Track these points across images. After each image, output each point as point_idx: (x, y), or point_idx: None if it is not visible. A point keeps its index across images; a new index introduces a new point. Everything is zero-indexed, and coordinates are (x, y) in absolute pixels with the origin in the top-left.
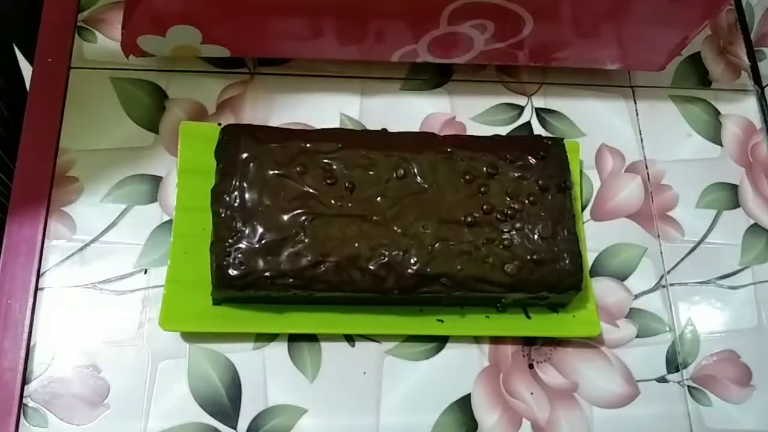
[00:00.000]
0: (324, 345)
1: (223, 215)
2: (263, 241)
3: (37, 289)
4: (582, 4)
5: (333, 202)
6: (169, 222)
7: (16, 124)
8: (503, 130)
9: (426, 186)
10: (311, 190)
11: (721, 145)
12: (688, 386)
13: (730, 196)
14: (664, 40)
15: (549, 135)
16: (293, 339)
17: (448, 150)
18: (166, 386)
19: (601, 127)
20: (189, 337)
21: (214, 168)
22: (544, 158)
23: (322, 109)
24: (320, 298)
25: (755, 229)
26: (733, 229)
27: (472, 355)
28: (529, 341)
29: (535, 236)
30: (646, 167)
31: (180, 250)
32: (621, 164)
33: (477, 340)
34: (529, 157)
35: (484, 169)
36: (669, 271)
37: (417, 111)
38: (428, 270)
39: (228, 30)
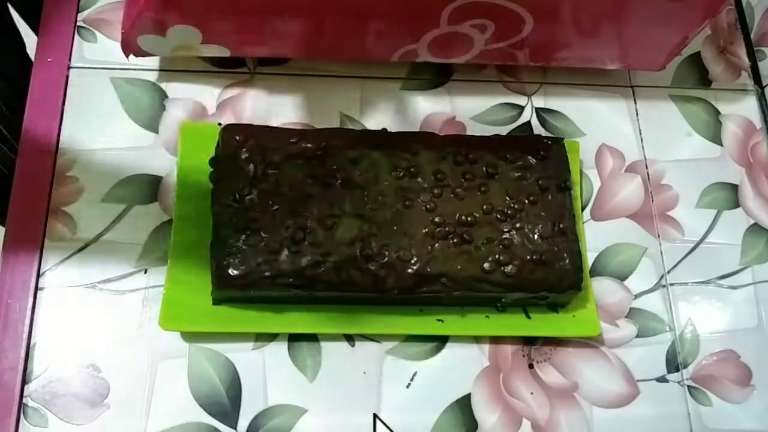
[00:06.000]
0: (324, 345)
1: (223, 215)
2: (263, 241)
3: (37, 289)
4: (582, 4)
5: (333, 201)
6: (169, 222)
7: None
8: (503, 130)
9: (426, 186)
10: (311, 190)
11: (721, 145)
12: (688, 386)
13: (730, 196)
14: (664, 40)
15: (549, 135)
16: (293, 339)
17: (448, 150)
18: (166, 386)
19: (601, 127)
20: (189, 337)
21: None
22: (544, 158)
23: (322, 109)
24: (320, 298)
25: (755, 229)
26: (733, 229)
27: (472, 355)
28: (529, 341)
29: (535, 236)
30: (646, 167)
31: (180, 250)
32: (621, 164)
33: (477, 340)
34: (529, 157)
35: (484, 169)
36: (669, 271)
37: (417, 111)
38: (428, 270)
39: (228, 30)
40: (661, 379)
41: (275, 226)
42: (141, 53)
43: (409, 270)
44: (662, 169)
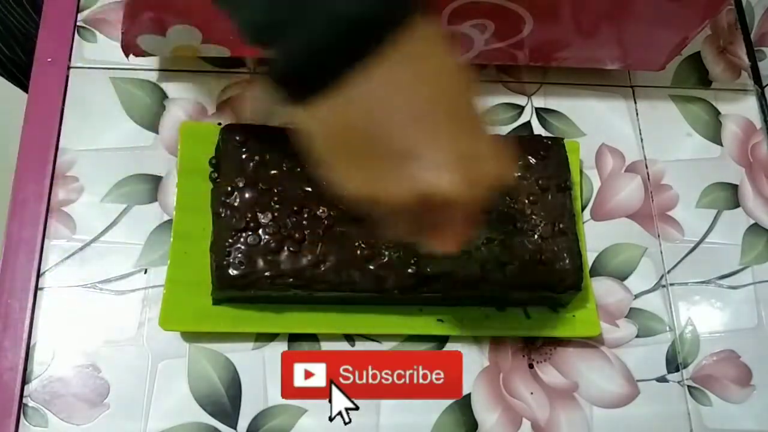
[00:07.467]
0: (324, 345)
1: (223, 215)
2: (263, 241)
3: (37, 289)
4: (582, 4)
5: (333, 202)
6: (169, 222)
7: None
8: (503, 130)
9: None
10: (311, 190)
11: (721, 145)
12: (688, 386)
13: (730, 196)
14: (664, 40)
15: (549, 135)
16: (293, 339)
17: None
18: (166, 386)
19: (601, 127)
20: (189, 337)
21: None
22: (544, 158)
23: None
24: (320, 298)
25: (755, 229)
26: (733, 229)
27: (472, 355)
28: (529, 341)
29: (535, 236)
30: (646, 167)
31: (180, 250)
32: (621, 164)
33: (477, 340)
34: (529, 157)
35: None
36: (669, 271)
37: None
38: (428, 270)
39: (228, 30)
40: (661, 379)
41: (275, 226)
42: (141, 53)
43: (409, 270)
44: (662, 169)
